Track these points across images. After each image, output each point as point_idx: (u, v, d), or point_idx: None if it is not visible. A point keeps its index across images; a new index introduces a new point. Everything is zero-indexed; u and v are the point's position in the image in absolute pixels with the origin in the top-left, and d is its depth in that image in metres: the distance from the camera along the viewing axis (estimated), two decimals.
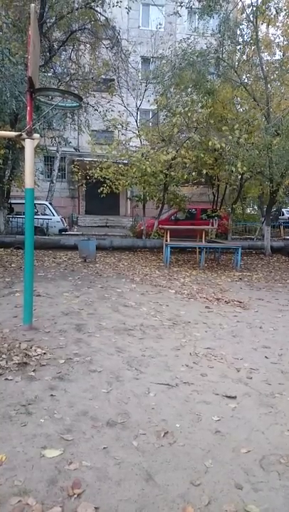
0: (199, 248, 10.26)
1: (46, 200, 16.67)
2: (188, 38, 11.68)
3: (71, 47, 13.46)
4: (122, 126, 11.93)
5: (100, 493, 2.00)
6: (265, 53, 13.97)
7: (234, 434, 2.58)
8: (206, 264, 9.87)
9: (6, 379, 3.12)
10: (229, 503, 1.97)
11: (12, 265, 8.20)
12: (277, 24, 12.90)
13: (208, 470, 2.22)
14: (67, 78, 13.28)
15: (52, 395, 2.92)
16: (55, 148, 17.60)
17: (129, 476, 2.14)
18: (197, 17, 12.00)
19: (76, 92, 12.31)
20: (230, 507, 1.95)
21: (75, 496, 1.96)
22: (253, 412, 2.86)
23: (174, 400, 2.99)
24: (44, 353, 3.66)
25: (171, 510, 1.92)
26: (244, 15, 11.52)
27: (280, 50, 13.97)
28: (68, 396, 2.94)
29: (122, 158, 11.53)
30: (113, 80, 14.39)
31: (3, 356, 3.50)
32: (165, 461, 2.27)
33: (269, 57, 14.06)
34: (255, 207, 20.29)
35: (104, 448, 2.35)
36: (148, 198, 12.62)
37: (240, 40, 11.52)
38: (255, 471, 2.23)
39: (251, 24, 11.02)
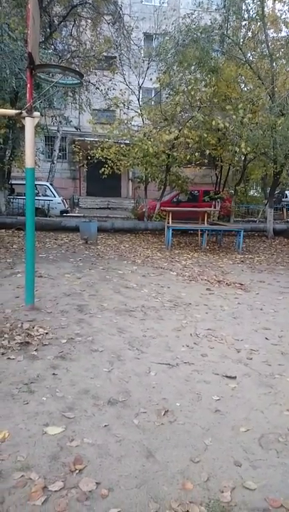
0: (201, 230, 10.22)
1: (47, 181, 16.53)
2: (192, 14, 11.33)
3: (72, 22, 13.14)
4: (124, 105, 11.72)
5: (101, 469, 2.03)
6: (271, 30, 13.56)
7: (234, 414, 2.61)
8: (207, 247, 9.85)
9: (9, 358, 3.15)
10: (228, 480, 2.01)
11: (13, 246, 8.20)
12: (283, 0, 12.50)
13: (208, 448, 2.26)
14: (68, 55, 13.00)
15: (54, 374, 2.96)
16: (55, 128, 17.34)
17: (130, 452, 2.17)
18: None
19: (77, 69, 12.05)
20: (228, 483, 1.98)
21: (77, 471, 2.00)
22: (252, 392, 2.89)
23: (174, 379, 3.02)
24: (46, 333, 3.68)
25: (170, 485, 1.96)
26: None
27: (286, 27, 13.56)
28: (70, 375, 2.97)
29: (124, 138, 11.38)
30: (115, 57, 14.08)
31: (6, 336, 3.53)
32: (165, 439, 2.31)
33: (275, 34, 13.65)
34: (259, 189, 20.13)
35: (105, 426, 2.39)
36: (150, 180, 12.50)
37: (246, 15, 11.19)
38: (253, 449, 2.27)
39: None
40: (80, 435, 2.29)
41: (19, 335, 3.57)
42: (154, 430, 2.38)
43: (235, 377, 3.09)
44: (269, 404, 2.75)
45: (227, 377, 3.10)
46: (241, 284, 6.19)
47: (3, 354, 3.21)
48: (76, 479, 1.95)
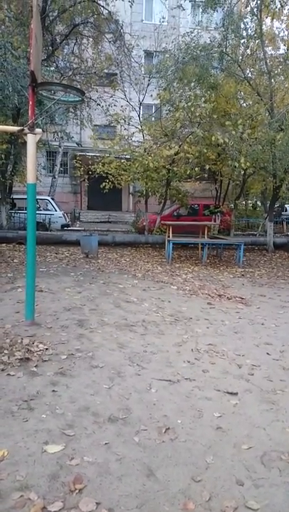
0: (201, 244, 10.24)
1: (48, 196, 16.64)
2: (192, 32, 11.56)
3: (74, 41, 13.40)
4: (125, 120, 11.87)
5: (101, 489, 2.00)
6: (269, 47, 13.84)
7: (235, 431, 2.58)
8: (208, 260, 9.86)
9: (8, 374, 3.13)
10: (230, 499, 1.98)
11: (14, 260, 8.21)
12: (281, 18, 12.77)
13: (209, 466, 2.23)
14: (70, 72, 13.22)
15: (54, 391, 2.93)
16: (57, 143, 17.54)
17: (131, 471, 2.14)
18: (201, 10, 11.91)
19: (78, 86, 12.26)
20: (231, 503, 1.95)
21: (77, 491, 1.97)
22: (254, 409, 2.87)
23: (175, 396, 2.99)
24: (46, 349, 3.67)
25: (172, 505, 1.92)
26: (248, 8, 11.40)
27: (284, 44, 13.84)
28: (70, 391, 2.94)
29: (125, 153, 11.49)
30: (116, 74, 14.30)
31: (6, 352, 3.51)
32: (166, 457, 2.28)
33: (273, 52, 13.92)
34: (258, 202, 20.22)
35: (105, 443, 2.36)
36: (150, 194, 12.58)
37: (244, 34, 11.40)
38: (256, 468, 2.24)
39: (255, 18, 10.90)
40: (80, 453, 2.26)
41: (19, 351, 3.55)
42: (155, 448, 2.36)
43: (236, 394, 3.07)
44: (271, 421, 2.72)
45: (228, 393, 3.07)
46: (242, 298, 6.17)
47: (3, 370, 3.19)
48: (76, 499, 1.92)
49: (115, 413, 2.69)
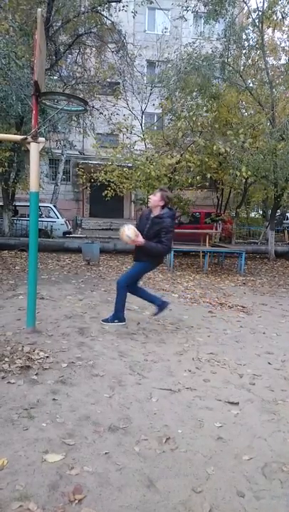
0: (203, 252, 10.25)
1: (51, 203, 16.71)
2: (194, 43, 11.71)
3: (77, 50, 13.54)
4: (127, 129, 11.95)
5: (100, 499, 1.99)
6: (271, 58, 14.00)
7: (236, 441, 2.57)
8: (209, 269, 9.86)
9: (9, 382, 3.13)
10: (231, 511, 1.96)
11: (16, 267, 8.23)
12: (283, 28, 12.94)
13: (210, 477, 2.21)
14: (73, 81, 13.36)
15: (54, 399, 2.92)
16: (60, 151, 17.68)
17: (131, 482, 2.13)
18: (203, 21, 12.05)
19: (81, 95, 12.38)
20: None
21: (76, 501, 1.96)
22: (255, 419, 2.85)
23: (176, 405, 2.98)
24: (47, 357, 3.66)
25: None
26: (250, 19, 11.55)
27: (285, 55, 14.00)
28: (70, 400, 2.94)
29: (127, 161, 11.55)
30: (118, 83, 14.44)
31: (6, 359, 3.51)
32: (167, 468, 2.26)
33: (274, 62, 14.08)
34: (260, 211, 20.28)
35: (105, 453, 2.35)
36: None
37: (246, 44, 11.54)
38: (257, 479, 2.22)
39: (257, 29, 11.04)
40: (80, 463, 2.25)
41: (20, 358, 3.54)
42: (155, 458, 2.34)
43: (237, 403, 3.05)
44: (272, 431, 2.70)
45: (229, 403, 3.06)
46: (243, 307, 6.16)
47: (3, 378, 3.18)
48: (75, 510, 1.91)
49: (116, 422, 2.68)
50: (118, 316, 4.80)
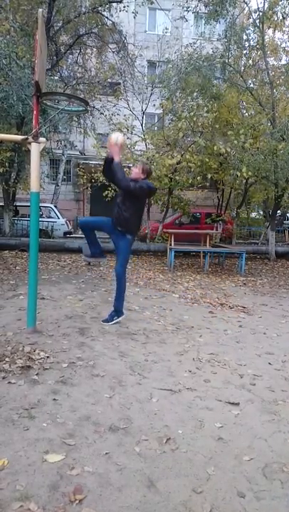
0: (203, 252, 10.25)
1: (51, 203, 16.73)
2: (195, 43, 11.73)
3: (78, 51, 13.57)
4: (128, 129, 11.96)
5: (101, 500, 1.99)
6: (271, 58, 14.02)
7: (237, 441, 2.57)
8: (210, 269, 9.86)
9: (9, 382, 3.13)
10: None
11: (17, 268, 8.23)
12: (283, 29, 12.93)
13: (211, 477, 2.21)
14: (74, 82, 13.37)
15: (55, 399, 2.92)
16: (60, 152, 17.69)
17: (131, 482, 2.13)
18: (203, 22, 12.07)
19: (82, 95, 12.40)
20: None
21: (77, 501, 1.96)
22: (255, 419, 2.85)
23: (176, 405, 2.98)
24: (47, 357, 3.66)
25: None
26: (250, 20, 11.56)
27: (286, 55, 14.01)
28: (71, 400, 2.94)
29: (127, 161, 11.56)
30: (119, 83, 14.46)
31: (7, 359, 3.51)
32: (167, 468, 2.26)
33: (275, 62, 14.10)
34: (260, 211, 20.28)
35: (106, 453, 2.35)
36: (152, 202, 12.63)
37: (247, 45, 11.55)
38: (257, 479, 2.22)
39: (257, 29, 11.05)
40: (80, 463, 2.25)
41: (20, 358, 3.55)
42: (156, 458, 2.34)
43: (238, 404, 3.05)
44: (273, 432, 2.70)
45: (230, 403, 3.06)
46: (244, 307, 6.16)
47: (4, 378, 3.18)
48: (76, 510, 1.91)
49: (116, 423, 2.68)
50: (118, 308, 4.85)
